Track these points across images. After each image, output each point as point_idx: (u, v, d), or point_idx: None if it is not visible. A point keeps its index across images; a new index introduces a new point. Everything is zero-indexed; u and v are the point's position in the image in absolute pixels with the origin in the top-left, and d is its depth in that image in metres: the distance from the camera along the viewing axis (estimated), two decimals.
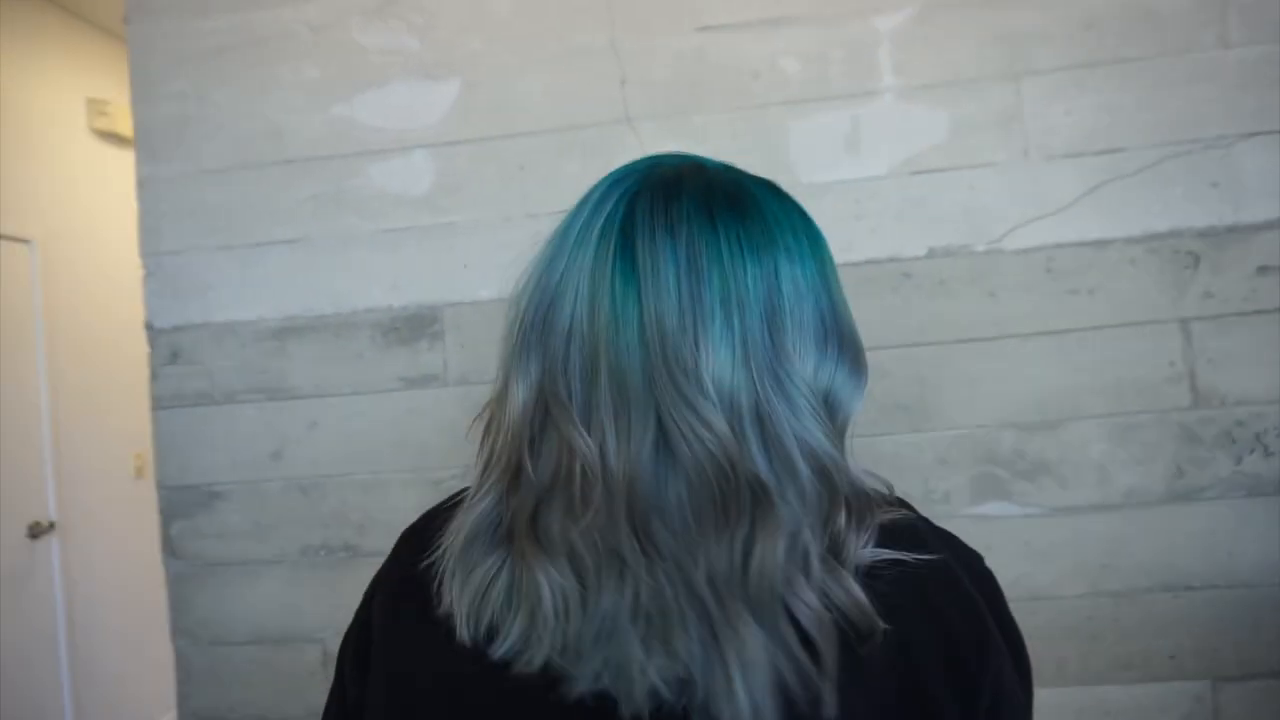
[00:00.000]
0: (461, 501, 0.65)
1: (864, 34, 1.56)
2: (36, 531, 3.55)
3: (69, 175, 3.72)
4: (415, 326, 1.64)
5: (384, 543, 1.68)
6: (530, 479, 0.59)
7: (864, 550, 0.61)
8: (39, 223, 3.68)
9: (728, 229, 0.59)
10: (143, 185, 1.71)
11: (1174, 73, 1.50)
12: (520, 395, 0.60)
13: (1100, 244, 1.52)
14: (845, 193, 1.58)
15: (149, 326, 1.71)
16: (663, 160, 0.66)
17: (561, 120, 1.61)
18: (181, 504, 1.68)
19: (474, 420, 0.65)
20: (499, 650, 0.58)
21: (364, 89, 1.66)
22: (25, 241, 3.64)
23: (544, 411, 0.59)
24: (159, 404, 1.69)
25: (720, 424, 0.55)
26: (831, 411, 0.60)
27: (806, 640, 0.56)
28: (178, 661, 1.68)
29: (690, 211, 0.59)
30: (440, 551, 0.63)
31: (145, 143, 1.72)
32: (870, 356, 1.52)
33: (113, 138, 3.72)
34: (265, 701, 1.65)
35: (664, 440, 0.56)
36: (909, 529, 0.64)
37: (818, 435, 0.57)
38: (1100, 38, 1.52)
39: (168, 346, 1.69)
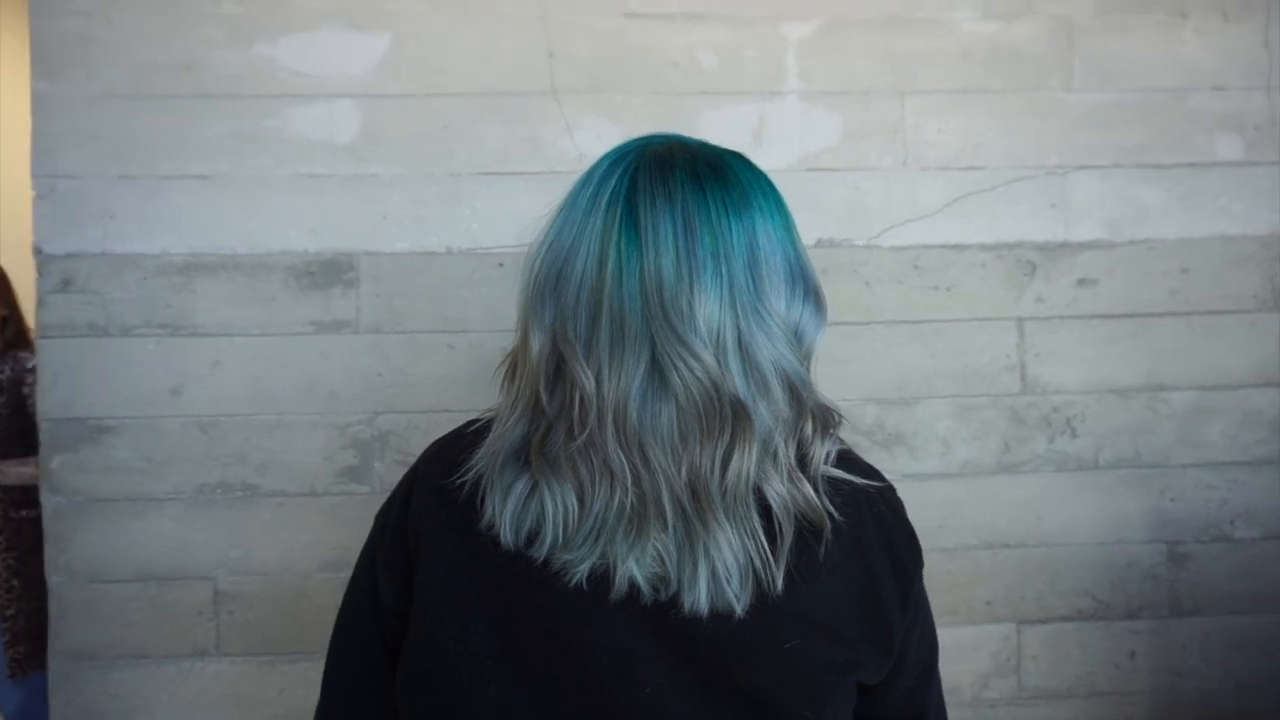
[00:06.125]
0: (477, 430, 0.68)
1: (774, 39, 1.46)
2: None
3: None
4: (330, 272, 1.41)
5: (286, 484, 1.50)
6: (545, 409, 0.62)
7: (828, 467, 0.65)
8: None
9: (714, 194, 0.63)
10: (37, 102, 1.37)
11: (1028, 106, 1.49)
12: (537, 340, 0.62)
13: (959, 248, 1.49)
14: None
15: (38, 251, 1.37)
16: (652, 140, 0.68)
17: (489, 84, 1.43)
18: (65, 437, 1.37)
19: (499, 366, 0.66)
20: (539, 553, 0.62)
21: (289, 32, 1.40)
22: None
23: (556, 352, 0.62)
24: (45, 332, 1.37)
25: (707, 356, 0.59)
26: (799, 341, 0.65)
27: (770, 531, 0.61)
28: (51, 599, 1.37)
29: (683, 180, 0.63)
30: (473, 473, 0.64)
31: (42, 58, 1.37)
32: None
33: None
34: (148, 639, 1.39)
35: (657, 372, 0.60)
36: (856, 459, 0.71)
37: (790, 358, 0.62)
38: (971, 68, 1.48)
39: (58, 274, 1.38)
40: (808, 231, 1.49)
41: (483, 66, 1.45)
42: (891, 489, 0.72)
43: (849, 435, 1.46)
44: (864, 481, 0.67)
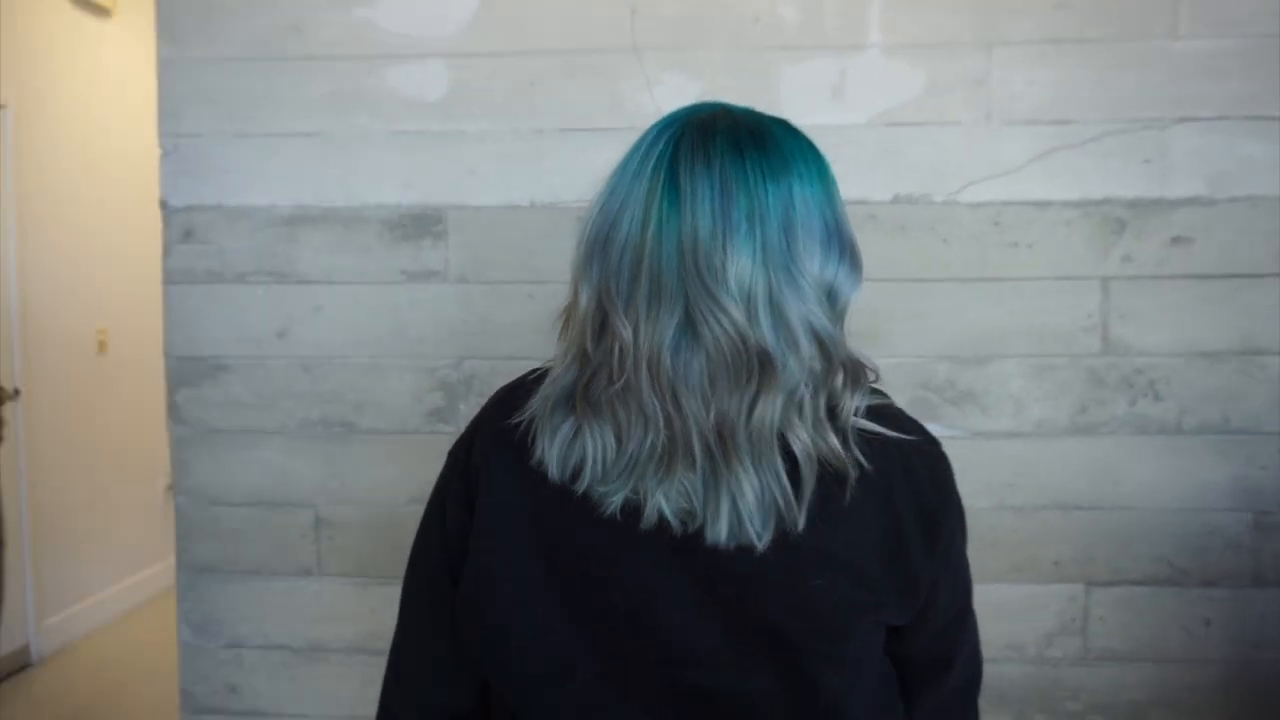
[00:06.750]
0: (537, 377, 0.73)
1: None
2: (1, 397, 3.33)
3: (46, 44, 3.15)
4: (421, 225, 1.49)
5: (380, 422, 1.61)
6: (590, 359, 0.67)
7: (859, 419, 0.68)
8: (13, 88, 3.21)
9: (752, 160, 0.66)
10: (164, 67, 1.49)
11: (1126, 56, 1.42)
12: (585, 296, 0.67)
13: (1042, 204, 1.45)
14: (825, 137, 1.50)
15: (164, 204, 1.50)
16: (699, 108, 0.71)
17: (573, 42, 1.46)
18: (188, 373, 1.52)
19: (556, 320, 0.71)
20: (580, 486, 0.67)
21: None
22: None
23: (600, 308, 0.66)
24: (170, 279, 1.51)
25: (736, 312, 0.63)
26: (833, 299, 0.67)
27: (794, 475, 0.65)
28: (178, 518, 1.53)
29: (723, 147, 0.66)
30: (528, 415, 0.70)
31: (167, 25, 1.49)
32: None
33: (92, 7, 3.21)
34: (259, 557, 1.53)
35: (690, 325, 0.64)
36: (894, 414, 0.73)
37: (819, 315, 0.65)
38: (1067, 17, 1.42)
39: (181, 225, 1.51)
40: (885, 187, 1.48)
41: (567, 25, 1.48)
42: (931, 444, 0.74)
43: (919, 391, 1.47)
44: (896, 435, 0.69)
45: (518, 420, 0.71)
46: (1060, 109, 1.46)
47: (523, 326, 1.51)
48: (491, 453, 0.73)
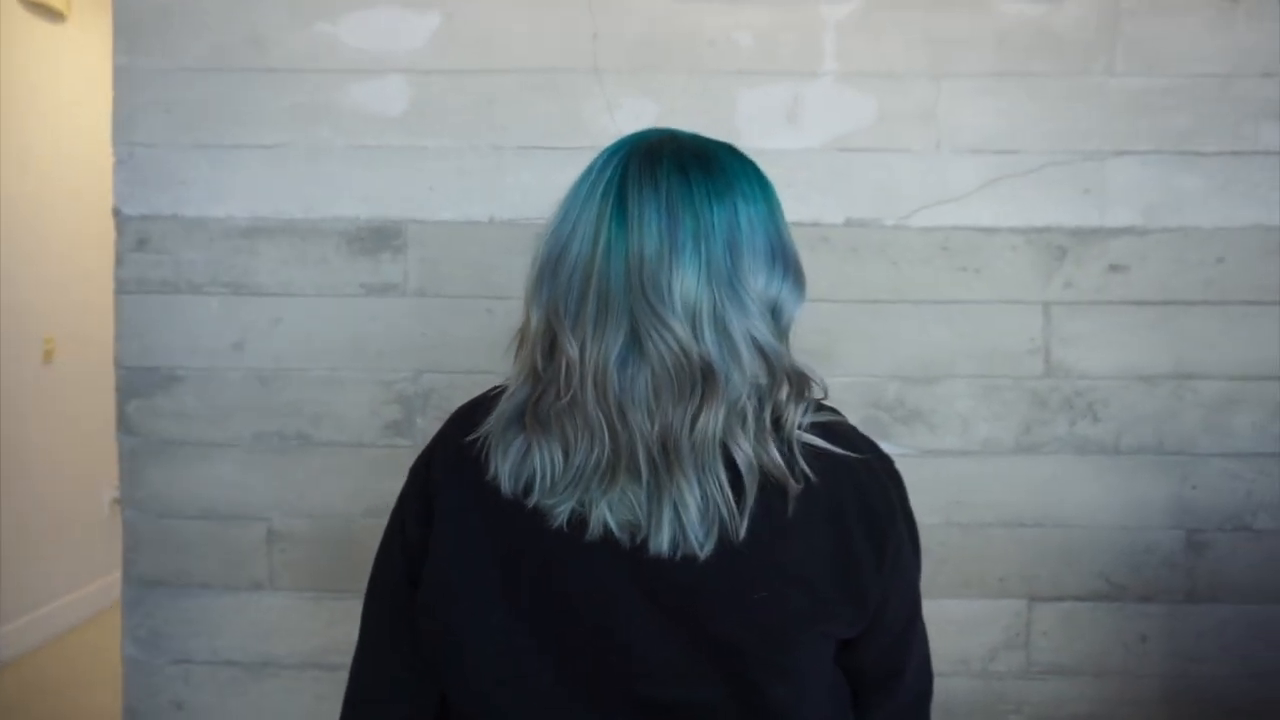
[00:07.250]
0: (496, 395, 0.74)
1: (813, 19, 1.47)
2: None
3: None
4: (380, 238, 1.49)
5: (336, 435, 1.60)
6: (541, 377, 0.69)
7: (806, 435, 0.69)
8: None
9: (698, 182, 0.69)
10: (119, 75, 1.48)
11: (1067, 91, 1.48)
12: (536, 317, 0.69)
13: (989, 230, 1.50)
14: (780, 160, 1.56)
15: (117, 213, 1.48)
16: (647, 134, 0.73)
17: (534, 62, 1.48)
18: (140, 384, 1.49)
19: (511, 342, 0.73)
20: (531, 501, 0.69)
21: (349, 9, 1.47)
22: None
23: (550, 328, 0.68)
24: (122, 287, 1.48)
25: (680, 328, 0.65)
26: (777, 315, 0.70)
27: (737, 485, 0.66)
28: (125, 530, 1.50)
29: (669, 170, 0.68)
30: (484, 432, 0.72)
31: (124, 33, 1.47)
32: None
33: (44, 10, 3.09)
34: (210, 570, 1.51)
35: (635, 341, 0.66)
36: (845, 431, 0.74)
37: (761, 329, 0.67)
38: (1011, 52, 1.47)
39: (135, 234, 1.49)
40: (838, 210, 1.52)
41: (529, 45, 1.50)
42: (882, 460, 0.76)
43: (870, 410, 1.51)
44: (842, 452, 0.71)
45: (475, 437, 0.72)
46: (1006, 139, 1.51)
47: (481, 341, 1.51)
48: (450, 469, 0.75)
